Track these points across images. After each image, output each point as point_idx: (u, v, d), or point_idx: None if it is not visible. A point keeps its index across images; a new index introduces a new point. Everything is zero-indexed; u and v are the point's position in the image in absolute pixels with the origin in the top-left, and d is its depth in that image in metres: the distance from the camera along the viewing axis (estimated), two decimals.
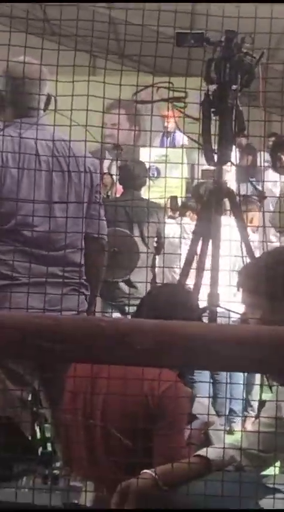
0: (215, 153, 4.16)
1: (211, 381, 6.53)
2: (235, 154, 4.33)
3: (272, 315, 2.67)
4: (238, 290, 2.87)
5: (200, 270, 4.42)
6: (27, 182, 3.50)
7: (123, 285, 6.06)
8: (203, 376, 5.43)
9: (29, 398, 4.42)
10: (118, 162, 6.88)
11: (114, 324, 1.71)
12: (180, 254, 4.36)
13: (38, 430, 4.46)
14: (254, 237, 5.66)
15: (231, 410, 6.90)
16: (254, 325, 2.42)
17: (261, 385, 4.51)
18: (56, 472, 2.91)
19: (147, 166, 6.50)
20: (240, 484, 2.49)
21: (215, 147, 4.18)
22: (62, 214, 3.46)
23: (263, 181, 6.08)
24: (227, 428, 6.43)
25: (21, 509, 2.57)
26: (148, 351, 1.67)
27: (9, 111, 3.65)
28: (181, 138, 10.32)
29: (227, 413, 6.68)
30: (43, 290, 3.23)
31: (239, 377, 6.30)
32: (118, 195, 7.42)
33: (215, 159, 4.20)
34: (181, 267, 4.48)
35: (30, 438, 3.94)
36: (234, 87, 4.15)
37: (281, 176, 5.60)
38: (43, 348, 1.67)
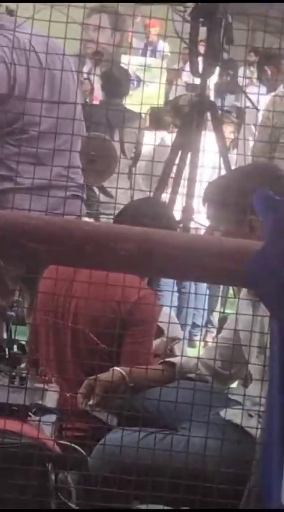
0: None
1: (177, 291, 6.59)
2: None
3: (237, 228, 2.70)
4: (203, 205, 2.90)
5: (177, 183, 4.41)
6: (32, 82, 3.51)
7: (98, 193, 6.02)
8: (168, 288, 5.47)
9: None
10: (101, 68, 6.76)
11: (99, 229, 1.70)
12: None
13: (5, 330, 4.48)
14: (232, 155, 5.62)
15: (194, 324, 6.97)
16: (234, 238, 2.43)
17: (226, 298, 4.56)
18: (22, 373, 2.94)
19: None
20: (196, 393, 2.54)
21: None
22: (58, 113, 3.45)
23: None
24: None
25: None
26: (132, 257, 1.66)
27: None
28: (162, 49, 10.16)
29: (191, 326, 6.76)
30: (45, 194, 3.21)
31: (203, 289, 6.36)
32: (96, 102, 7.32)
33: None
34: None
35: None
36: None
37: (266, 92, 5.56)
38: (27, 248, 1.66)
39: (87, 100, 7.50)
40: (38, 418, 2.71)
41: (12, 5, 3.46)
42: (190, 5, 3.82)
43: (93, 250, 1.66)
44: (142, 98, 3.41)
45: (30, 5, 2.63)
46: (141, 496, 2.45)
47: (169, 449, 2.42)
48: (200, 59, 4.21)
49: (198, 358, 3.02)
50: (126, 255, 1.65)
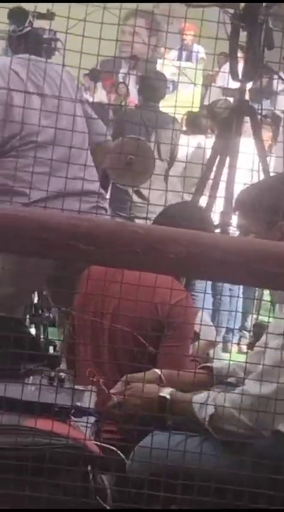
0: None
1: (213, 295, 6.59)
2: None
3: (269, 234, 2.69)
4: (234, 213, 2.89)
5: (214, 188, 4.41)
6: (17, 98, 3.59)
7: (134, 197, 6.04)
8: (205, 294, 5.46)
9: (35, 301, 4.46)
10: (139, 73, 6.79)
11: (149, 232, 1.71)
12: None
13: (42, 332, 4.51)
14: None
15: (228, 329, 6.96)
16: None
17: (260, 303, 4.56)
18: (61, 374, 2.95)
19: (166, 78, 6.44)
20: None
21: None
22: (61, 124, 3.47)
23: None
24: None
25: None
26: (181, 260, 1.66)
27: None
28: (197, 54, 10.17)
29: (225, 331, 6.75)
30: (63, 204, 3.19)
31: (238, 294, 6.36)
32: (132, 106, 7.34)
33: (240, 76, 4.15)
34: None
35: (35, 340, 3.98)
36: (265, 4, 4.07)
37: None
38: (78, 250, 1.67)
39: (122, 103, 7.53)
40: (76, 419, 2.73)
41: (61, 9, 3.48)
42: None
43: (143, 252, 1.67)
44: (193, 100, 3.40)
45: (82, 8, 2.66)
46: (181, 500, 2.44)
47: (213, 453, 2.41)
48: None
49: (246, 362, 2.99)
50: (175, 258, 1.65)
